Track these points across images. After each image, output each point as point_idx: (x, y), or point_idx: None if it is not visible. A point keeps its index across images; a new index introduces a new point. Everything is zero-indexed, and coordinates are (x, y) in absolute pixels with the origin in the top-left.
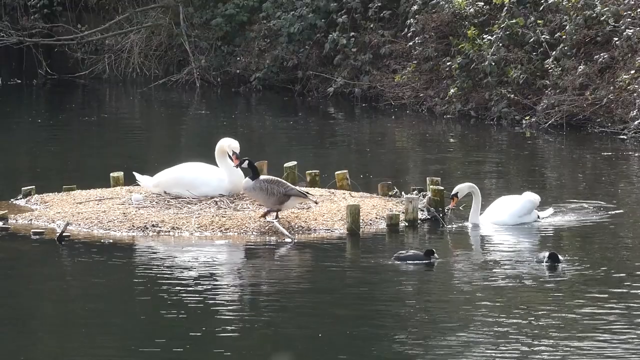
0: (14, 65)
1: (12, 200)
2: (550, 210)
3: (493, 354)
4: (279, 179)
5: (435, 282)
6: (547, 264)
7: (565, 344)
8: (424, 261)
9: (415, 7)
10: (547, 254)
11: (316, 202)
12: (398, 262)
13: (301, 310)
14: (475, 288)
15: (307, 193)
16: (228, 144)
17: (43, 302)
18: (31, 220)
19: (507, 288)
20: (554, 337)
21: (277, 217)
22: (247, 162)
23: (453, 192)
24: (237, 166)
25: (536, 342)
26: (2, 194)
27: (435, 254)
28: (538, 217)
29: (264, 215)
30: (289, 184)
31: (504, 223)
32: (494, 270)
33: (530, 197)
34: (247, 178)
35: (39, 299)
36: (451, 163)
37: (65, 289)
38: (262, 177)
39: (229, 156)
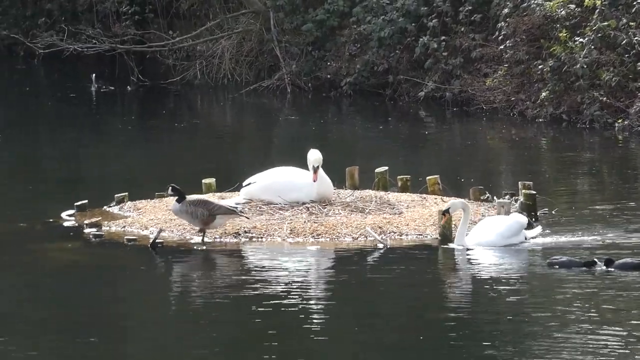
0: (106, 72)
1: (105, 207)
2: (538, 230)
3: None
4: (206, 199)
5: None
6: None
7: None
8: (579, 268)
9: (506, 10)
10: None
11: (247, 218)
12: (551, 268)
13: (393, 318)
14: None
15: (236, 210)
16: (308, 156)
17: (136, 309)
18: (124, 227)
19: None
20: None
21: (203, 236)
22: (170, 188)
23: (444, 208)
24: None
25: None
26: (95, 201)
27: (598, 264)
28: (525, 238)
29: (201, 232)
30: (216, 202)
31: (491, 244)
32: None
33: (518, 218)
34: (174, 201)
35: (132, 306)
36: (543, 167)
37: (158, 295)
38: (188, 198)
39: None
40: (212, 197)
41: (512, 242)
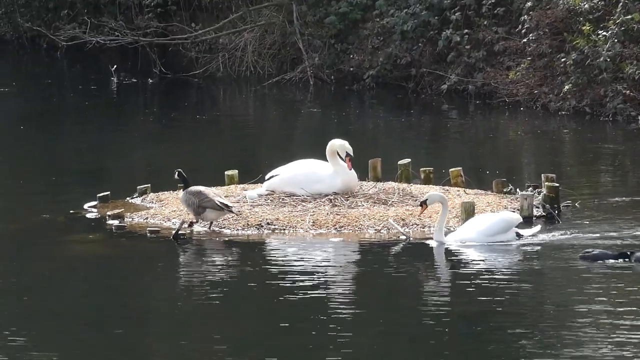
0: (129, 64)
1: (128, 198)
2: (537, 228)
3: None
4: (201, 191)
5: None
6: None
7: None
8: (614, 260)
9: (529, 3)
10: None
11: (238, 214)
12: (585, 262)
13: (416, 309)
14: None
15: (226, 205)
16: (340, 144)
17: (159, 301)
18: (147, 218)
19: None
20: None
21: (190, 225)
22: (176, 173)
23: (422, 199)
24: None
25: None
26: (118, 192)
27: (633, 256)
28: (517, 235)
29: (189, 224)
30: (209, 195)
31: (471, 241)
32: None
33: (505, 216)
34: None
35: (155, 297)
36: (566, 160)
37: (181, 286)
38: (190, 188)
39: (341, 158)
40: (214, 190)
41: (497, 240)
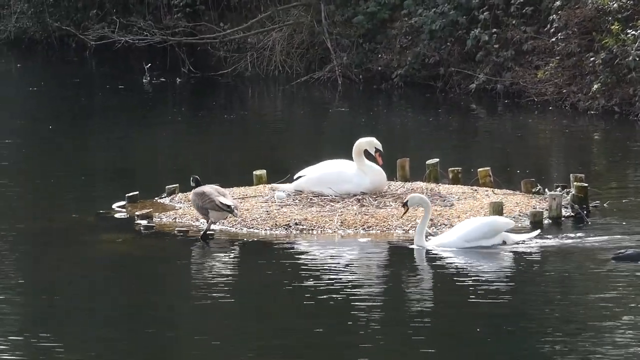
0: (157, 63)
1: (156, 198)
2: (534, 233)
3: None
4: (204, 191)
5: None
6: None
7: None
8: None
9: (558, 2)
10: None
11: (236, 216)
12: (619, 262)
13: (445, 309)
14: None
15: (227, 206)
16: (368, 141)
17: (187, 301)
18: (175, 218)
19: None
20: None
21: (206, 230)
22: (192, 179)
23: (404, 201)
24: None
25: None
26: (146, 192)
27: None
28: (504, 242)
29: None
30: (211, 196)
31: (451, 246)
32: None
33: (488, 221)
34: None
35: (183, 297)
36: (595, 159)
37: (209, 287)
38: (196, 189)
39: (371, 154)
40: (219, 190)
41: (479, 244)
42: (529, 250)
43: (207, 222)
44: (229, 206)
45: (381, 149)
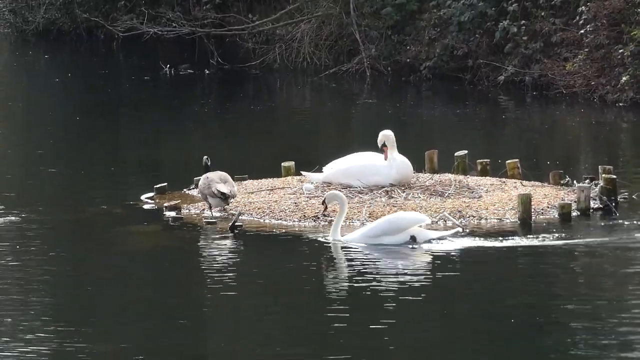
0: (186, 55)
1: (184, 190)
2: (450, 232)
3: None
4: (208, 176)
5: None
6: None
7: None
8: None
9: None
10: None
11: (226, 204)
12: None
13: (473, 301)
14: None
15: (222, 194)
16: (381, 134)
17: (216, 292)
18: (203, 210)
19: None
20: None
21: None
22: (205, 158)
23: (324, 198)
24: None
25: None
26: (174, 184)
27: None
28: (412, 239)
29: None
30: (211, 183)
31: (356, 241)
32: None
33: (390, 217)
34: None
35: (211, 288)
36: (624, 151)
37: (237, 278)
38: (207, 173)
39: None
40: (222, 176)
41: (384, 242)
42: (552, 244)
43: (208, 207)
44: (223, 194)
45: (389, 144)
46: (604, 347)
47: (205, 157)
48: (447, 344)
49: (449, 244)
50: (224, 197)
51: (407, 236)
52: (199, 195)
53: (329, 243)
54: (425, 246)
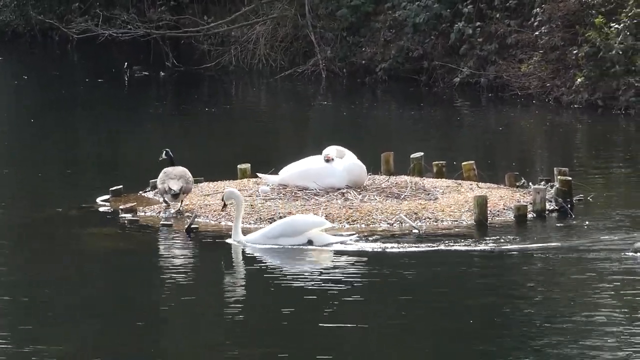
0: (141, 57)
1: (140, 192)
2: (341, 238)
3: None
4: (167, 172)
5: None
6: None
7: None
8: None
9: None
10: None
11: (170, 201)
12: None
13: (433, 303)
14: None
15: (170, 189)
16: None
17: (171, 294)
18: (159, 212)
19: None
20: None
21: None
22: (164, 152)
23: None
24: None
25: None
26: (130, 186)
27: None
28: (309, 242)
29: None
30: (167, 179)
31: (256, 242)
32: None
33: (287, 219)
34: None
35: (167, 290)
36: (579, 153)
37: (193, 280)
38: (167, 168)
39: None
40: (178, 172)
41: (282, 243)
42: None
43: (164, 202)
44: (172, 190)
45: (331, 157)
46: (559, 345)
47: (166, 149)
48: (401, 340)
49: (405, 247)
50: (174, 194)
51: (304, 239)
52: (157, 189)
53: (232, 244)
54: (374, 246)
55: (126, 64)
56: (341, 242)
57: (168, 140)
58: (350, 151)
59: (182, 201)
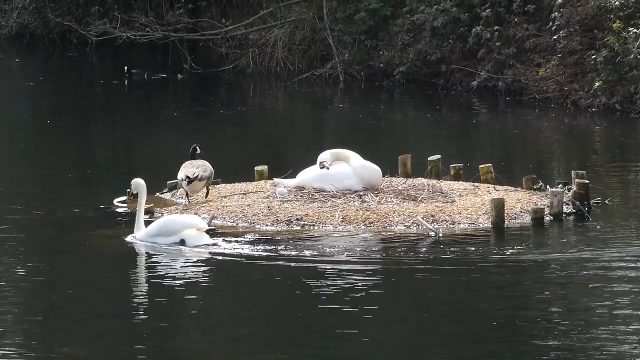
0: (159, 59)
1: (157, 193)
2: (211, 240)
3: None
4: (186, 163)
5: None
6: None
7: None
8: None
9: (560, 0)
10: None
11: (182, 186)
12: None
13: (446, 306)
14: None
15: (186, 177)
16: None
17: (189, 295)
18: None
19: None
20: None
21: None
22: (193, 147)
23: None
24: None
25: None
26: (148, 187)
27: None
28: (181, 242)
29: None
30: (183, 168)
31: (141, 240)
32: None
33: (163, 219)
34: None
35: (185, 291)
36: (596, 156)
37: (211, 281)
38: (187, 161)
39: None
40: (197, 163)
41: (159, 242)
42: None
43: (185, 195)
44: (187, 177)
45: (326, 165)
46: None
47: (195, 145)
48: (415, 344)
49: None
50: (187, 179)
51: (177, 239)
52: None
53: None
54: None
55: (126, 67)
56: (213, 244)
57: (185, 142)
58: (357, 154)
59: (207, 193)
